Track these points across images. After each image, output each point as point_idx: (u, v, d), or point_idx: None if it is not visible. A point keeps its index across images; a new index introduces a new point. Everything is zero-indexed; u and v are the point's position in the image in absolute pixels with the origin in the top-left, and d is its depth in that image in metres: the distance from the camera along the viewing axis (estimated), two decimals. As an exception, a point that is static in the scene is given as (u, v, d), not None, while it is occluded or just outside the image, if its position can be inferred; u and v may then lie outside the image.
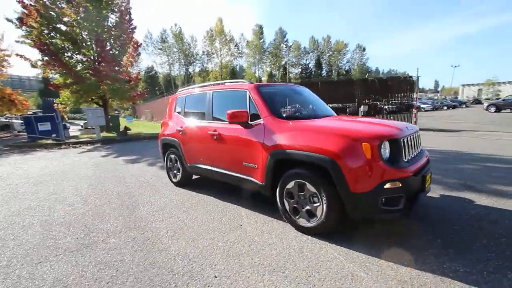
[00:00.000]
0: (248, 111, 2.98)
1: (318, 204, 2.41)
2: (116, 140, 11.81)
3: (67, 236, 2.71)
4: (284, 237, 2.52)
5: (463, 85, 55.77)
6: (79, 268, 2.14)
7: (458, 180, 4.01)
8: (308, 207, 2.50)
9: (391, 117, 13.95)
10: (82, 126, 17.15)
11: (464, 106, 37.81)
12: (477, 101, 43.61)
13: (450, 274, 1.88)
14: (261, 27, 56.63)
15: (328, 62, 63.75)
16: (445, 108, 34.96)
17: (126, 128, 13.22)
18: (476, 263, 2.00)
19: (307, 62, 62.22)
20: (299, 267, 2.03)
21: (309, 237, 2.49)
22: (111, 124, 14.75)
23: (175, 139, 4.11)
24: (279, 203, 2.74)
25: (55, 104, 13.62)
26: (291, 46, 59.17)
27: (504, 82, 47.13)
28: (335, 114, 3.54)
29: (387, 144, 2.23)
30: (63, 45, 12.52)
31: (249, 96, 3.08)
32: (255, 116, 2.97)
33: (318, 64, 61.52)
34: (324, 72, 62.20)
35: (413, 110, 13.32)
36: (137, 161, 6.80)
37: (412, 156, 2.48)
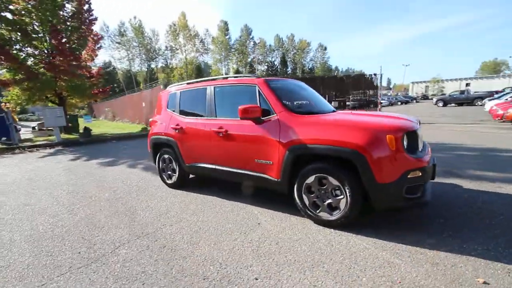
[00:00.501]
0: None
1: (341, 196, 2.44)
2: (79, 142, 10.74)
3: (65, 251, 2.38)
4: (307, 232, 2.51)
5: (412, 83, 61.35)
6: (96, 285, 1.89)
7: (441, 168, 4.39)
8: (330, 201, 2.52)
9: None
10: (35, 127, 15.28)
11: (415, 101, 41.64)
12: (425, 97, 48.42)
13: (472, 253, 2.04)
14: (226, 23, 55.92)
15: (293, 60, 65.42)
16: (399, 103, 38.20)
17: (87, 129, 12.08)
18: (489, 240, 2.20)
19: (273, 59, 63.18)
20: (336, 260, 2.04)
21: (332, 230, 2.52)
22: (70, 124, 13.38)
23: (170, 138, 3.85)
24: (297, 199, 2.72)
25: (2, 104, 11.92)
26: (258, 43, 59.39)
27: (447, 80, 52.97)
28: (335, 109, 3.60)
29: (405, 136, 2.33)
30: (10, 36, 10.98)
31: (258, 91, 2.99)
32: (266, 112, 2.90)
33: (284, 62, 62.76)
34: (289, 70, 63.65)
35: (378, 106, 14.33)
36: (114, 164, 6.27)
37: (422, 147, 2.63)
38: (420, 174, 2.28)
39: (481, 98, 23.34)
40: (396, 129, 2.29)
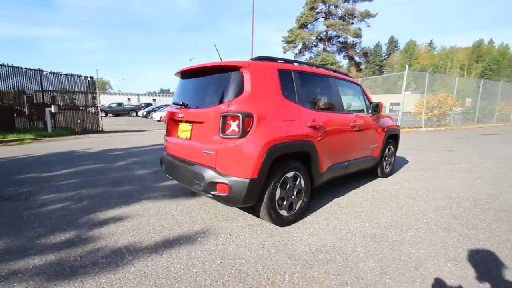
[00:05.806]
0: (368, 103, 3.69)
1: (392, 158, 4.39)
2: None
3: None
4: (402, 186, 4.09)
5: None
6: None
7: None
8: (391, 160, 4.33)
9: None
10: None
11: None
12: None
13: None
14: None
15: None
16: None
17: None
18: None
19: None
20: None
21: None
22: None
23: (308, 141, 2.51)
24: (384, 167, 4.08)
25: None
26: None
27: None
28: None
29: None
30: None
31: (362, 91, 3.66)
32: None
33: None
34: None
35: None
36: None
37: None
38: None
39: (134, 110, 28.62)
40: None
